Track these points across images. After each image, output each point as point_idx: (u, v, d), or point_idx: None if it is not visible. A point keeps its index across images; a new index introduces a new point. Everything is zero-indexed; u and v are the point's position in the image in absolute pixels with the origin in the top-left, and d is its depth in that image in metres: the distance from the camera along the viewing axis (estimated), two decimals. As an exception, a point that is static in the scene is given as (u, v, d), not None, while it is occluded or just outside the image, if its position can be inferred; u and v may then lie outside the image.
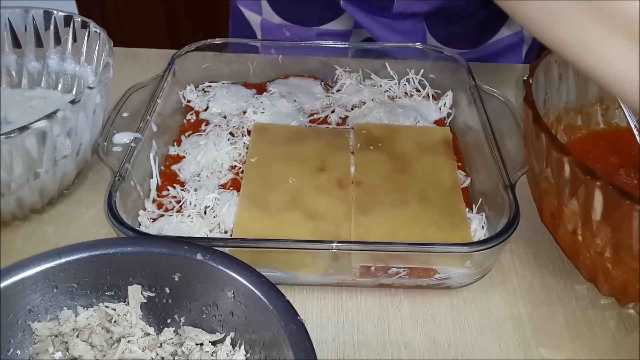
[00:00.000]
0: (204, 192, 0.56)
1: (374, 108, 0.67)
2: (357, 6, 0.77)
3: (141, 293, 0.43)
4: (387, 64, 0.71)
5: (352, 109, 0.68)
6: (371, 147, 0.62)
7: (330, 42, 0.72)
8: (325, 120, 0.67)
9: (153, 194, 0.57)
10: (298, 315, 0.38)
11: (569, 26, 0.33)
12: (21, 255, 0.41)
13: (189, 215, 0.54)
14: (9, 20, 0.65)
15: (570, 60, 0.34)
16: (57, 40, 0.66)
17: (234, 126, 0.65)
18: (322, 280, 0.51)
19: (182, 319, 0.44)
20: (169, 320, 0.44)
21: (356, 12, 0.78)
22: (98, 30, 0.62)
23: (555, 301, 0.51)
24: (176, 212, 0.55)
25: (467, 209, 0.55)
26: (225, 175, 0.59)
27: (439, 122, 0.67)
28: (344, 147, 0.62)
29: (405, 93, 0.71)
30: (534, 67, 0.53)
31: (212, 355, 0.42)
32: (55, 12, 0.65)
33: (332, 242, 0.47)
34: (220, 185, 0.58)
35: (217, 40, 0.71)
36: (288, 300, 0.39)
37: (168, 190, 0.58)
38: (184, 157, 0.61)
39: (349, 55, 0.72)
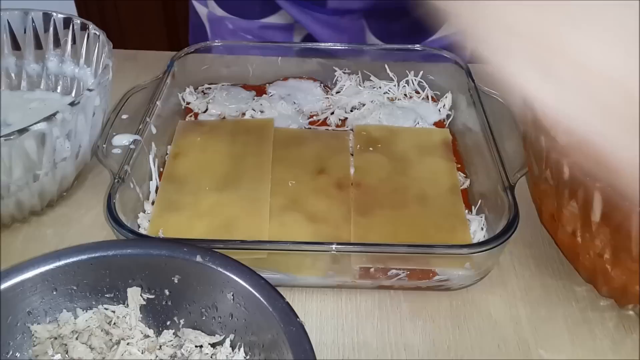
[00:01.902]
0: (204, 194, 0.56)
1: (374, 110, 0.67)
2: (291, 1, 0.76)
3: (140, 295, 0.43)
4: (386, 65, 0.71)
5: (351, 111, 0.68)
6: (371, 149, 0.62)
7: (329, 44, 0.72)
8: (324, 122, 0.67)
9: (152, 195, 0.57)
10: (297, 317, 0.38)
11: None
12: (21, 258, 0.41)
13: (189, 217, 0.54)
14: (9, 23, 0.65)
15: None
16: (57, 43, 0.66)
17: (233, 128, 0.65)
18: (321, 282, 0.51)
19: (182, 321, 0.44)
20: (168, 322, 0.44)
21: (290, 7, 0.76)
22: (97, 32, 0.62)
23: (554, 302, 0.51)
24: (176, 214, 0.55)
25: (467, 211, 0.55)
26: (225, 177, 0.59)
27: (439, 124, 0.67)
28: (343, 149, 0.62)
29: (405, 95, 0.71)
30: (533, 68, 0.52)
31: (211, 357, 0.42)
32: (54, 14, 0.65)
33: (331, 243, 0.47)
34: (220, 187, 0.58)
35: (217, 42, 0.71)
36: (288, 302, 0.39)
37: (167, 192, 0.57)
38: (183, 159, 0.61)
39: (348, 56, 0.72)
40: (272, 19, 0.80)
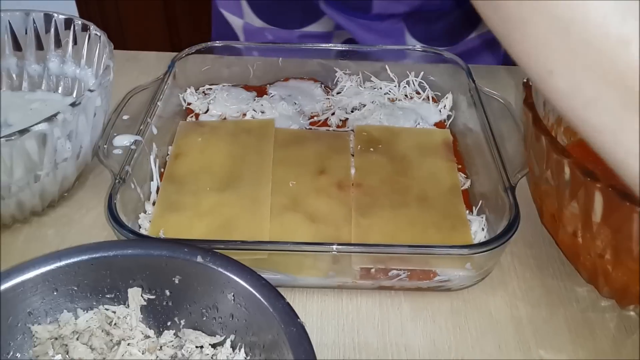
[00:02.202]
0: (204, 194, 0.56)
1: (374, 110, 0.67)
2: (336, 8, 0.78)
3: (141, 295, 0.43)
4: (387, 66, 0.71)
5: (352, 111, 0.68)
6: (371, 150, 0.62)
7: (330, 44, 0.72)
8: (325, 123, 0.67)
9: (153, 196, 0.57)
10: (298, 318, 0.38)
11: (605, 115, 0.30)
12: (21, 258, 0.41)
13: (189, 218, 0.54)
14: (10, 23, 0.65)
15: (595, 146, 0.32)
16: (58, 43, 0.66)
17: (234, 129, 0.65)
18: (322, 282, 0.51)
19: (182, 322, 0.44)
20: (169, 323, 0.44)
21: (336, 14, 0.78)
22: (98, 33, 0.62)
23: (555, 303, 0.51)
24: (176, 214, 0.55)
25: (467, 211, 0.55)
26: (226, 177, 0.59)
27: (439, 125, 0.67)
28: (344, 149, 0.62)
29: (405, 95, 0.71)
30: (533, 69, 0.52)
31: (212, 357, 0.42)
32: (55, 15, 0.65)
33: (332, 244, 0.47)
34: (221, 187, 0.58)
35: (218, 43, 0.71)
36: (288, 303, 0.39)
37: (168, 192, 0.57)
38: (184, 159, 0.61)
39: (349, 57, 0.72)
40: (312, 28, 0.81)
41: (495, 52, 0.84)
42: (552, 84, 0.32)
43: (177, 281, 0.42)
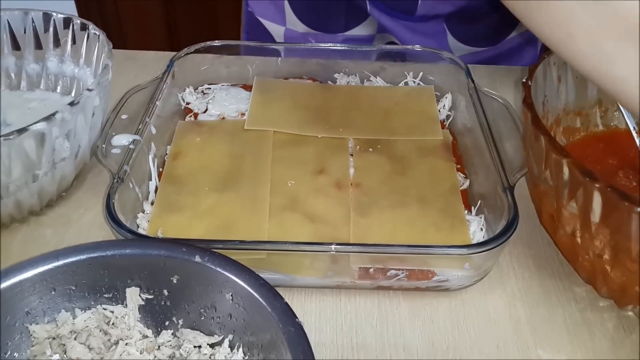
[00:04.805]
0: (203, 194, 0.56)
1: (373, 110, 0.67)
2: (382, 10, 0.79)
3: (139, 295, 0.43)
4: (385, 66, 0.71)
5: (351, 111, 0.68)
6: (370, 150, 0.62)
7: (329, 44, 0.72)
8: (324, 122, 0.67)
9: (152, 196, 0.57)
10: (296, 318, 0.38)
11: (627, 68, 0.35)
12: (19, 258, 0.41)
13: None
14: (8, 22, 0.65)
15: (622, 98, 0.37)
16: (57, 43, 0.66)
17: (233, 128, 0.64)
18: (321, 282, 0.51)
19: (180, 322, 0.44)
20: (167, 323, 0.44)
21: (381, 16, 0.79)
22: (97, 33, 0.62)
23: (554, 303, 0.51)
24: (175, 214, 0.55)
25: (466, 211, 0.55)
26: (224, 177, 0.59)
27: (438, 124, 0.67)
28: (343, 149, 0.62)
29: (405, 95, 0.71)
30: (532, 69, 0.53)
31: (210, 357, 0.42)
32: (54, 14, 0.65)
33: (330, 244, 0.47)
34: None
35: (217, 43, 0.71)
36: (286, 303, 0.39)
37: (167, 192, 0.57)
38: (182, 159, 0.61)
39: (349, 58, 0.72)
40: (355, 31, 0.82)
41: (534, 48, 0.85)
42: (573, 46, 0.37)
43: (175, 281, 0.42)
